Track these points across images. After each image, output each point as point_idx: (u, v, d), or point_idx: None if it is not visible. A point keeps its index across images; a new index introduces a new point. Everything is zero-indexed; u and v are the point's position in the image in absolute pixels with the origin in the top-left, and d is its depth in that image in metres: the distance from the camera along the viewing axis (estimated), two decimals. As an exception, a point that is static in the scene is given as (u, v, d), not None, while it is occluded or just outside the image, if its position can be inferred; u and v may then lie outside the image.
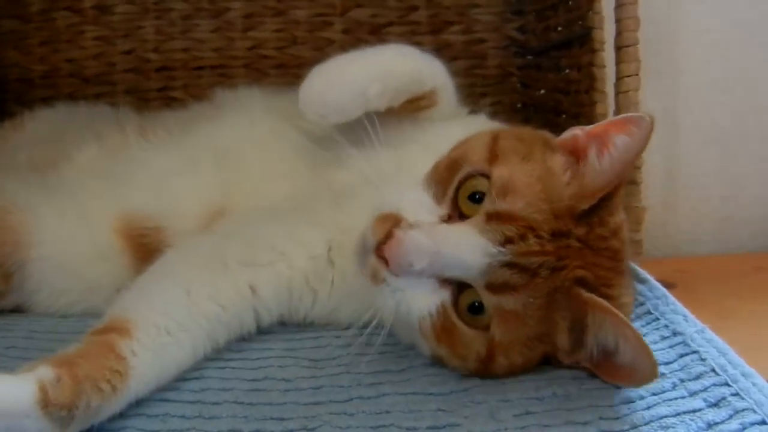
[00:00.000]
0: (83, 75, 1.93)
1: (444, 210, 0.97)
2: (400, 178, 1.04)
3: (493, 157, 0.96)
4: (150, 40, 1.92)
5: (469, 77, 1.87)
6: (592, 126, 0.99)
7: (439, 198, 0.97)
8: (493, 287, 0.90)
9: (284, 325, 1.18)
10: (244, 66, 1.95)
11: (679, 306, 1.15)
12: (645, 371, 0.88)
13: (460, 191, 0.96)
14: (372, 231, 0.95)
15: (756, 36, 2.04)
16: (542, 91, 1.87)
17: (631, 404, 0.93)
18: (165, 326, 0.99)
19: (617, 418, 0.89)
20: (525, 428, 0.87)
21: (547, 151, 0.98)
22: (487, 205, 0.92)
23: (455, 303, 0.94)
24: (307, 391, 0.98)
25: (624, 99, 1.38)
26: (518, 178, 0.92)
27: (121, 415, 0.89)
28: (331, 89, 1.16)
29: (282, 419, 0.90)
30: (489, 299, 0.91)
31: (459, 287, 0.94)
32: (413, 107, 1.23)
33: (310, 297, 1.17)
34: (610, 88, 1.48)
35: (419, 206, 0.97)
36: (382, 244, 0.92)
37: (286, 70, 1.92)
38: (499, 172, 0.93)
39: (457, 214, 0.95)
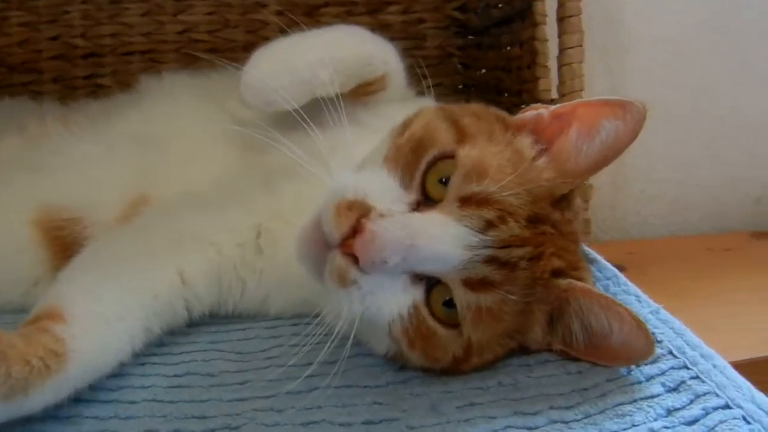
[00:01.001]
0: (8, 62, 1.82)
1: (413, 196, 0.88)
2: (341, 160, 0.95)
3: (461, 136, 0.90)
4: (77, 26, 1.82)
5: (408, 58, 1.76)
6: (558, 106, 0.95)
7: (406, 183, 0.88)
8: (472, 283, 0.84)
9: (212, 317, 1.12)
10: (175, 50, 1.86)
11: (631, 286, 1.10)
12: (642, 347, 0.86)
13: (429, 175, 0.88)
14: (334, 223, 0.83)
15: (704, 15, 2.01)
16: (483, 71, 1.84)
17: (584, 392, 0.88)
18: (101, 313, 0.93)
19: (569, 408, 0.85)
20: (469, 421, 0.83)
21: (507, 130, 0.93)
22: (458, 189, 0.85)
23: (428, 302, 0.87)
24: (232, 386, 0.92)
25: (568, 71, 1.34)
26: (488, 159, 0.87)
27: (28, 418, 0.80)
28: (276, 76, 1.10)
29: (204, 418, 0.84)
30: (465, 297, 0.85)
31: (429, 284, 0.87)
32: (362, 92, 1.18)
33: (239, 286, 1.12)
34: (553, 63, 1.44)
35: (387, 192, 0.88)
36: (348, 237, 0.83)
37: (219, 54, 1.80)
38: (468, 153, 0.87)
39: (423, 200, 0.88)
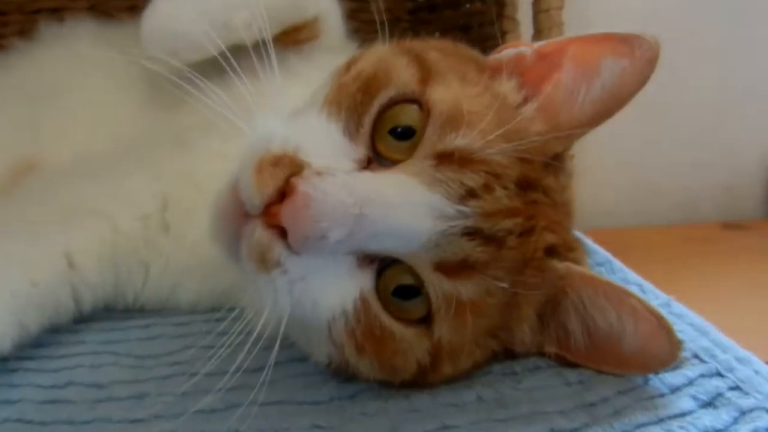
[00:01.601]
0: None
1: (361, 150, 0.72)
2: (270, 113, 0.77)
3: (427, 75, 0.74)
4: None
5: (352, 22, 1.58)
6: (542, 42, 0.80)
7: (352, 133, 0.72)
8: (447, 268, 0.68)
9: (107, 312, 0.98)
10: (89, 9, 1.64)
11: (631, 273, 0.95)
12: (664, 351, 0.72)
13: (380, 124, 0.72)
14: (254, 183, 0.66)
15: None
16: (437, 34, 1.66)
17: (590, 409, 0.72)
18: None
19: (575, 430, 0.69)
20: (442, 451, 0.68)
21: (482, 73, 0.79)
22: (430, 143, 0.70)
23: (378, 290, 0.71)
24: (125, 402, 0.76)
25: (545, 20, 1.15)
26: (465, 104, 0.71)
27: None
28: (183, 19, 0.97)
29: (83, 447, 0.68)
30: (439, 285, 0.69)
31: (381, 265, 0.71)
32: (291, 39, 1.05)
33: (141, 272, 0.98)
34: (523, 16, 1.27)
35: (327, 144, 0.71)
36: (274, 203, 0.66)
37: (138, 13, 1.57)
38: (440, 96, 0.71)
39: (376, 158, 0.71)
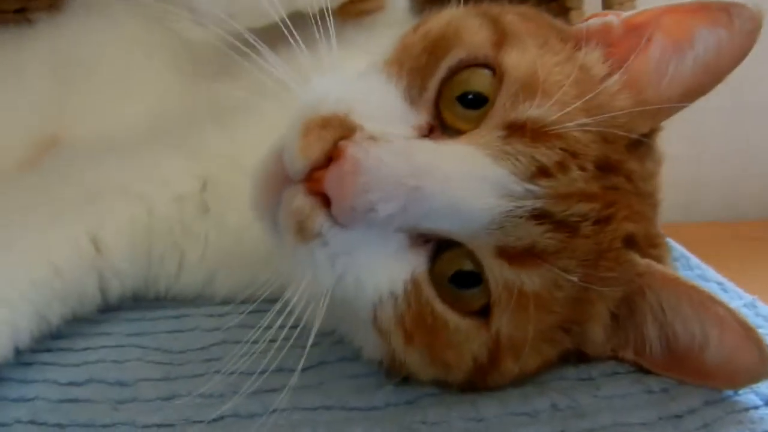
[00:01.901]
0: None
1: (423, 117, 0.66)
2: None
3: (502, 37, 0.69)
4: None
5: None
6: (633, 12, 0.74)
7: (414, 97, 0.67)
8: (510, 254, 0.63)
9: (136, 302, 0.92)
10: None
11: (709, 270, 0.89)
12: (752, 365, 0.65)
13: (446, 90, 0.67)
14: (299, 144, 0.62)
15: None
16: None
17: (677, 421, 0.66)
18: None
19: None
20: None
21: (567, 42, 0.73)
22: (501, 111, 0.64)
23: (433, 274, 0.65)
24: (153, 403, 0.70)
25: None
26: (543, 71, 0.66)
27: None
28: None
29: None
30: (500, 273, 0.63)
31: (438, 247, 0.66)
32: (356, 10, 0.98)
33: (175, 258, 0.93)
34: None
35: (385, 107, 0.66)
36: (319, 167, 0.61)
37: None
38: (515, 61, 0.66)
39: (439, 126, 0.66)
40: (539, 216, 0.62)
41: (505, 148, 0.62)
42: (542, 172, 0.62)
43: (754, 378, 0.67)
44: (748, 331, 0.64)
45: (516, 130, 0.63)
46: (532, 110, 0.63)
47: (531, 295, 0.63)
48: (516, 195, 0.62)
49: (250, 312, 0.75)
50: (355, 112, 0.64)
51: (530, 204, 0.62)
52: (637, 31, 0.72)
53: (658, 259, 0.70)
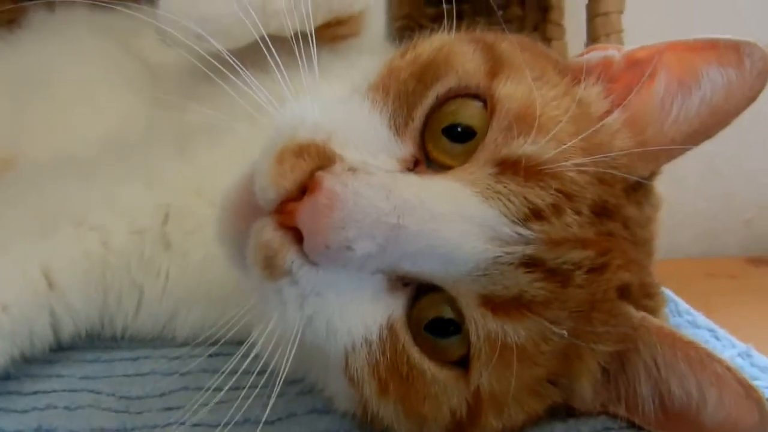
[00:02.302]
0: None
1: (407, 149, 0.63)
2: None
3: (496, 66, 0.66)
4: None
5: None
6: (636, 48, 0.71)
7: (399, 126, 0.64)
8: (495, 304, 0.59)
9: (90, 341, 0.88)
10: None
11: (699, 316, 0.88)
12: (752, 427, 0.61)
13: (433, 121, 0.63)
14: (272, 172, 0.59)
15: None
16: None
17: None
18: None
19: None
20: None
21: (564, 75, 0.70)
22: (492, 146, 0.61)
23: (410, 320, 0.62)
24: None
25: (603, 24, 1.06)
26: (541, 105, 0.63)
27: None
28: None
29: None
30: (482, 323, 0.59)
31: (417, 291, 0.62)
32: (329, 35, 0.94)
33: (134, 297, 0.88)
34: (571, 22, 1.18)
35: (366, 135, 0.63)
36: (292, 199, 0.58)
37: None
38: (509, 92, 0.63)
39: (425, 160, 0.63)
40: (529, 263, 0.59)
41: (496, 186, 0.59)
42: (535, 214, 0.59)
43: None
44: (748, 390, 0.61)
45: (508, 167, 0.59)
46: (527, 146, 0.59)
47: (515, 348, 0.59)
48: (505, 239, 0.58)
49: (214, 355, 0.72)
50: (335, 140, 0.60)
51: (520, 250, 0.58)
52: (639, 66, 0.69)
53: (653, 311, 0.67)
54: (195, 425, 0.64)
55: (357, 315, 0.60)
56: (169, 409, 0.72)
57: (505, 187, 0.58)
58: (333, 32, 0.94)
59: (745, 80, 0.65)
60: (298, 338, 0.59)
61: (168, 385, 0.77)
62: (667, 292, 0.89)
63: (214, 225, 0.66)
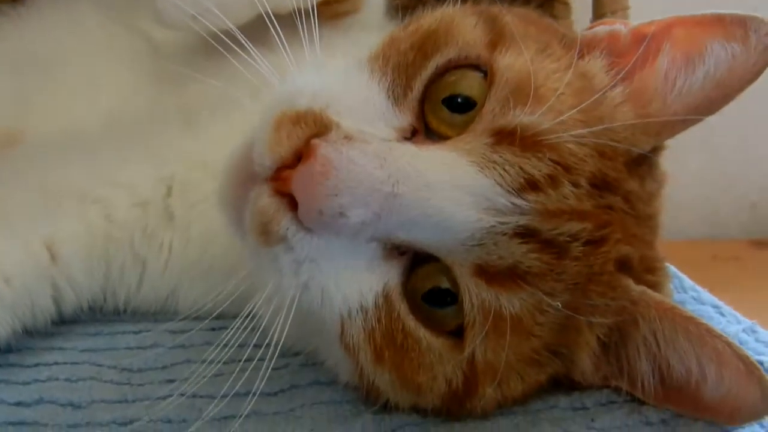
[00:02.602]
0: None
1: (406, 118, 0.62)
2: None
3: (497, 38, 0.65)
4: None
5: None
6: (643, 22, 0.70)
7: (398, 96, 0.63)
8: (490, 273, 0.59)
9: (92, 314, 0.87)
10: None
11: (704, 293, 0.85)
12: (753, 403, 0.61)
13: (432, 91, 0.63)
14: (269, 139, 0.59)
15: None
16: None
17: None
18: None
19: None
20: None
21: (570, 49, 0.68)
22: (490, 117, 0.60)
23: (406, 289, 0.61)
24: (108, 428, 0.65)
25: (609, 1, 1.00)
26: (542, 77, 0.62)
27: None
28: None
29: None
30: (477, 293, 0.59)
31: (414, 260, 0.62)
32: (330, 12, 0.93)
33: (136, 269, 0.88)
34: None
35: (365, 105, 0.62)
36: (288, 166, 0.58)
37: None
38: (508, 62, 0.62)
39: (423, 130, 0.63)
40: (524, 234, 0.58)
41: (492, 156, 0.58)
42: (531, 185, 0.58)
43: (755, 415, 0.64)
44: (749, 367, 0.60)
45: (504, 137, 0.59)
46: (524, 117, 0.59)
47: (509, 318, 0.59)
48: (500, 209, 0.58)
49: (216, 328, 0.71)
50: (333, 108, 0.60)
51: (515, 220, 0.58)
52: (645, 41, 0.69)
53: (655, 286, 0.66)
54: (196, 396, 0.64)
55: (352, 282, 0.61)
56: (170, 381, 0.71)
57: (501, 156, 0.58)
58: (334, 9, 0.93)
59: (750, 55, 0.64)
60: (294, 305, 0.59)
61: (170, 357, 0.76)
62: (672, 268, 0.88)
63: (215, 192, 0.66)
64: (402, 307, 0.61)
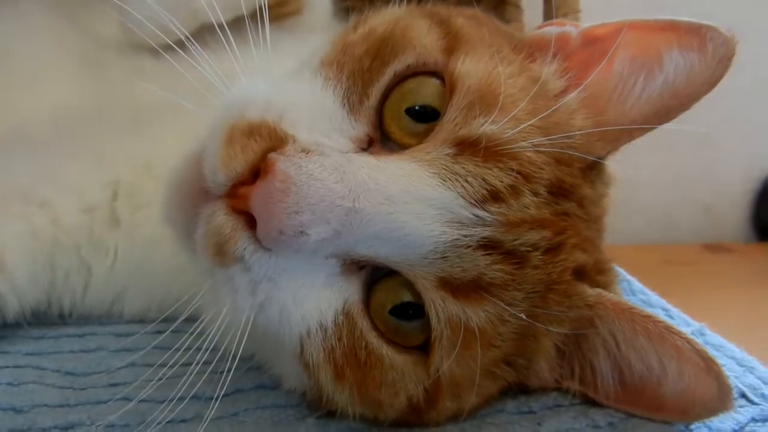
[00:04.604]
0: None
1: (362, 127, 0.60)
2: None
3: (453, 42, 0.63)
4: None
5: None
6: (593, 25, 0.69)
7: (353, 104, 0.61)
8: (454, 286, 0.57)
9: (36, 319, 0.84)
10: None
11: (654, 296, 0.87)
12: (712, 398, 0.61)
13: (390, 99, 0.61)
14: (221, 153, 0.57)
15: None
16: None
17: None
18: None
19: None
20: None
21: (519, 51, 0.67)
22: (451, 126, 0.58)
23: (368, 305, 0.59)
24: None
25: (560, 4, 1.03)
26: (500, 84, 0.60)
27: None
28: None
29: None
30: (441, 306, 0.57)
31: (372, 274, 0.60)
32: (272, 14, 0.86)
33: (82, 275, 0.85)
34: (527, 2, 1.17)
35: (318, 114, 0.60)
36: (243, 182, 0.56)
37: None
38: (468, 68, 0.61)
39: (380, 139, 0.61)
40: (487, 246, 0.57)
41: (454, 167, 0.56)
42: (493, 196, 0.57)
43: (710, 412, 0.64)
44: (707, 362, 0.60)
45: (467, 147, 0.57)
46: (487, 126, 0.57)
47: (474, 330, 0.58)
48: (463, 221, 0.56)
49: (162, 332, 0.67)
50: (287, 119, 0.58)
51: (478, 232, 0.57)
52: (596, 44, 0.68)
53: (606, 286, 0.66)
54: (141, 401, 0.62)
55: (311, 300, 0.58)
56: (114, 385, 0.69)
57: (463, 168, 0.56)
58: (276, 12, 0.91)
59: (708, 65, 0.63)
60: (249, 324, 0.57)
61: (114, 361, 0.74)
62: (621, 271, 0.89)
63: (161, 206, 0.63)
64: (364, 324, 0.59)
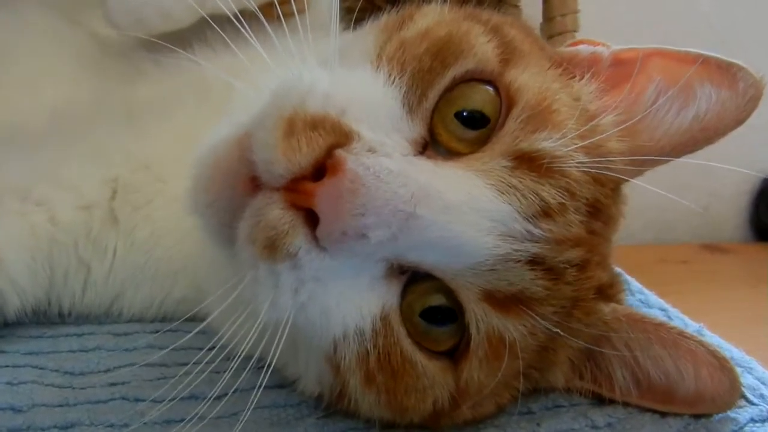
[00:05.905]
0: None
1: (418, 130, 0.58)
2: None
3: (510, 54, 0.63)
4: None
5: None
6: (623, 48, 0.69)
7: (412, 104, 0.59)
8: (497, 299, 0.57)
9: (36, 318, 0.83)
10: None
11: (652, 296, 0.87)
12: (724, 394, 0.64)
13: (443, 103, 0.59)
14: (282, 145, 0.53)
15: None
16: None
17: None
18: None
19: None
20: None
21: (558, 66, 0.67)
22: (509, 138, 0.58)
23: (402, 309, 0.58)
24: None
25: (559, 5, 0.97)
26: (553, 100, 0.61)
27: None
28: None
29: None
30: (483, 318, 0.57)
31: (409, 278, 0.58)
32: (273, 13, 0.86)
33: (81, 274, 0.84)
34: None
35: (381, 113, 0.58)
36: (304, 179, 0.53)
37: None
38: (526, 82, 0.61)
39: (431, 143, 0.59)
40: (533, 261, 0.57)
41: (511, 180, 0.56)
42: (545, 212, 0.57)
43: (721, 407, 0.66)
44: (721, 361, 0.63)
45: (524, 161, 0.57)
46: (545, 142, 0.57)
47: (507, 342, 0.57)
48: (515, 236, 0.56)
49: (161, 331, 0.70)
50: (349, 114, 0.55)
51: (529, 248, 0.56)
52: (623, 66, 0.68)
53: (618, 299, 0.67)
54: (138, 400, 0.62)
55: (353, 303, 0.57)
56: (113, 384, 0.69)
57: (520, 182, 0.56)
58: (279, 11, 0.89)
59: (737, 103, 0.64)
60: (288, 325, 0.55)
61: (113, 361, 0.73)
62: (619, 271, 0.90)
63: (190, 191, 0.60)
64: (401, 331, 0.58)
